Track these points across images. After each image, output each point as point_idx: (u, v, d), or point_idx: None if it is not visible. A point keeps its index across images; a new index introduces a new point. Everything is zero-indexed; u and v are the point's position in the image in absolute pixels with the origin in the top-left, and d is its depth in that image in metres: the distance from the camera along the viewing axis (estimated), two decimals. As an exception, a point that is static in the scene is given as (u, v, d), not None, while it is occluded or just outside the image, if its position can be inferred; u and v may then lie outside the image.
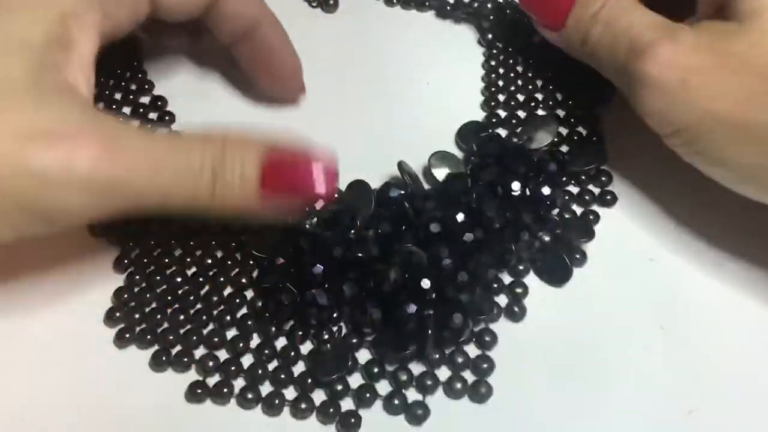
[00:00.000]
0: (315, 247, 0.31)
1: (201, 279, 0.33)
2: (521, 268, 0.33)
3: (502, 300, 0.32)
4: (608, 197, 0.35)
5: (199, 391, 0.30)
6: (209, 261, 0.33)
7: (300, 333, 0.31)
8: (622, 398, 0.30)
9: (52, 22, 0.27)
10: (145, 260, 0.33)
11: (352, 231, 0.32)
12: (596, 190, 0.36)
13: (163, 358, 0.31)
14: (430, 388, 0.30)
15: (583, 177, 0.36)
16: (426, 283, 0.30)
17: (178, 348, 0.31)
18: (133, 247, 0.33)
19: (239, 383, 0.31)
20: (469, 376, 0.31)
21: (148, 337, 0.31)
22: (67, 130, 0.25)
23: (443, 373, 0.31)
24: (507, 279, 0.33)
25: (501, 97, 0.38)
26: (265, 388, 0.30)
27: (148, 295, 0.32)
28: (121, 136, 0.26)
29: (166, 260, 0.33)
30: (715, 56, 0.29)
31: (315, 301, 0.30)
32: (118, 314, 0.32)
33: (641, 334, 0.32)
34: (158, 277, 0.32)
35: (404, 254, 0.30)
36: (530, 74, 0.39)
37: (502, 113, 0.38)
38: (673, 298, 0.33)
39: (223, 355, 0.31)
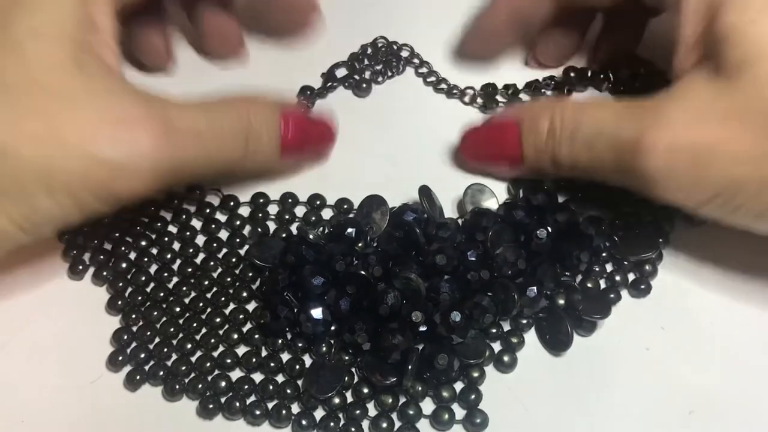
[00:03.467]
0: (318, 259, 0.31)
1: (201, 304, 0.32)
2: (524, 322, 0.31)
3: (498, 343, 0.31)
4: (642, 287, 0.32)
5: (211, 406, 0.30)
6: (206, 282, 0.32)
7: (299, 346, 0.31)
8: (623, 398, 0.30)
9: (75, 4, 0.28)
10: (140, 297, 0.32)
11: (359, 245, 0.32)
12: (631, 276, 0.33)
13: (177, 387, 0.30)
14: (413, 417, 0.29)
15: (625, 263, 0.33)
16: (417, 316, 0.29)
17: (192, 376, 0.31)
18: (125, 287, 0.32)
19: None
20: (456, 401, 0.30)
21: (161, 373, 0.30)
22: (128, 117, 0.27)
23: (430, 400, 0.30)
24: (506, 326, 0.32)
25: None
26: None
27: (149, 333, 0.31)
28: (171, 117, 0.28)
29: (161, 294, 0.32)
30: (718, 120, 0.26)
31: (310, 315, 0.30)
32: (120, 357, 0.31)
33: (642, 334, 0.32)
34: (156, 312, 0.32)
35: (404, 280, 0.30)
36: None
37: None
38: (673, 298, 0.33)
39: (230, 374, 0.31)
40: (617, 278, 0.32)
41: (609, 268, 0.33)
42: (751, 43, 0.26)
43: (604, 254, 0.33)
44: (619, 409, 0.30)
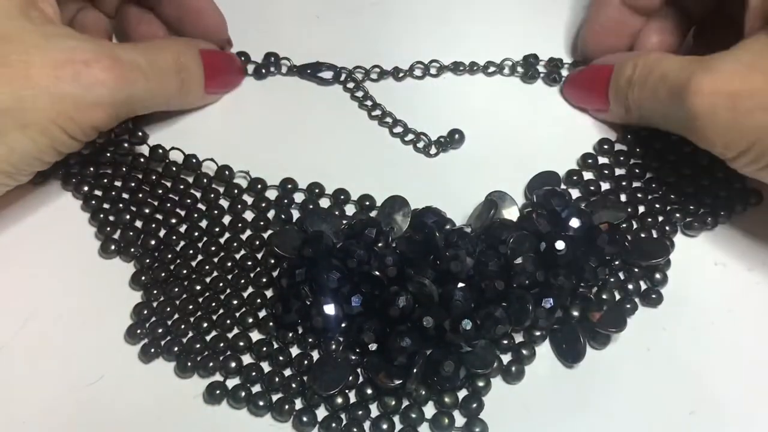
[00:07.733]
0: (335, 255, 0.31)
1: (221, 284, 0.32)
2: (537, 334, 0.31)
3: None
4: (653, 296, 0.32)
5: (218, 392, 0.30)
6: (229, 264, 0.33)
7: (309, 341, 0.31)
8: (624, 398, 0.31)
9: None
10: (163, 274, 0.33)
11: (379, 244, 0.32)
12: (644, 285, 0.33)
13: (189, 364, 0.31)
14: (415, 421, 0.30)
15: (636, 270, 0.33)
16: (428, 321, 0.29)
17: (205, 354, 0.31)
18: (150, 263, 0.33)
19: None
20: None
21: (176, 348, 0.31)
22: (84, 57, 0.29)
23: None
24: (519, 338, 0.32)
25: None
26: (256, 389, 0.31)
27: (168, 309, 0.32)
28: (121, 56, 0.30)
29: (184, 271, 0.33)
30: (761, 73, 0.28)
31: (322, 310, 0.30)
32: (139, 331, 0.31)
33: (643, 335, 0.32)
34: (176, 289, 0.32)
35: (417, 284, 0.29)
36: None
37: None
38: (674, 299, 0.33)
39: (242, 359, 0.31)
40: (630, 287, 0.32)
41: (621, 275, 0.33)
42: None
43: (616, 262, 0.33)
44: (620, 409, 0.30)
